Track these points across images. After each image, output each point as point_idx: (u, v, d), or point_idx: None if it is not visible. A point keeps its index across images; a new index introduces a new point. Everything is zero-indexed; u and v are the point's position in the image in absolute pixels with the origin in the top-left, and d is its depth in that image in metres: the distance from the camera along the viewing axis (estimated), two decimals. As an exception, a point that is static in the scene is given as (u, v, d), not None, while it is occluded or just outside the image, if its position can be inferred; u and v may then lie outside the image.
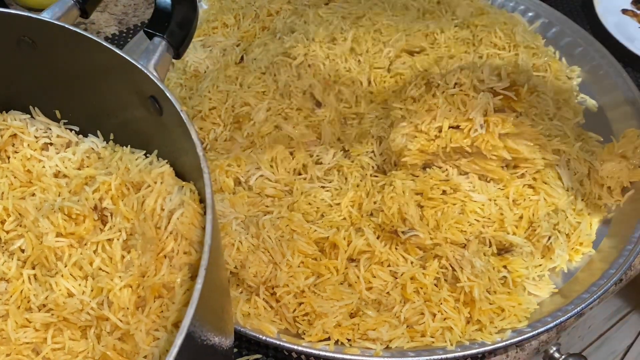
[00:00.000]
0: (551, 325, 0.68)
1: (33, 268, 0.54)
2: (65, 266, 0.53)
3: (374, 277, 0.70)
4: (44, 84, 0.60)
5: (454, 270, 0.70)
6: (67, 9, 0.58)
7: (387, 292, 0.70)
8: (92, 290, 0.52)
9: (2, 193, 0.58)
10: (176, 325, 0.48)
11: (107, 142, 0.62)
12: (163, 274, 0.48)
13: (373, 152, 0.81)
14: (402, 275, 0.70)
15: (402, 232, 0.73)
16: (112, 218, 0.54)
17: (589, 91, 0.96)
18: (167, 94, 0.52)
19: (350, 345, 0.67)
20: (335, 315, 0.68)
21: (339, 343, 0.68)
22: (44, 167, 0.60)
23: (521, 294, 0.72)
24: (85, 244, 0.54)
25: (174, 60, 0.70)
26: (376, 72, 0.89)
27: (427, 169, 0.78)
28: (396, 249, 0.72)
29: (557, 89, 0.91)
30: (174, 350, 0.39)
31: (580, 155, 0.82)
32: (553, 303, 0.72)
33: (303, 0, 1.02)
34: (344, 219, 0.75)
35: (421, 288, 0.70)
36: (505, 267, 0.73)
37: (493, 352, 0.70)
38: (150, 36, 0.64)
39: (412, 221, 0.73)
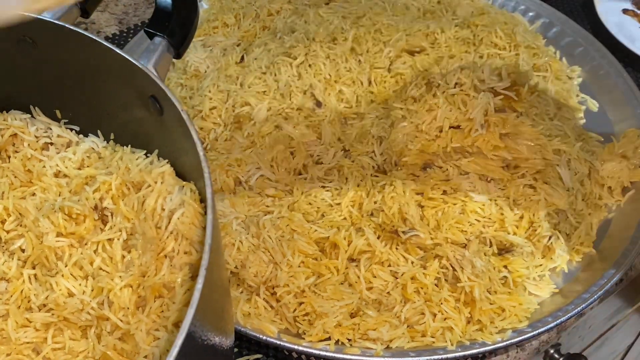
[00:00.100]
0: (552, 325, 0.68)
1: (33, 268, 0.54)
2: (66, 266, 0.53)
3: (375, 277, 0.70)
4: (45, 83, 0.60)
5: (454, 270, 0.70)
6: (68, 9, 0.58)
7: (388, 292, 0.70)
8: (92, 290, 0.52)
9: (3, 193, 0.58)
10: (177, 325, 0.48)
11: (107, 142, 0.62)
12: (163, 274, 0.48)
13: (373, 152, 0.81)
14: (402, 275, 0.70)
15: (403, 232, 0.73)
16: (112, 218, 0.54)
17: (589, 91, 0.96)
18: (168, 94, 0.52)
19: (351, 345, 0.67)
20: (335, 315, 0.67)
21: (340, 343, 0.68)
22: (44, 166, 0.60)
23: (522, 294, 0.72)
24: (86, 244, 0.54)
25: (174, 60, 0.70)
26: (377, 72, 0.88)
27: (428, 169, 0.78)
28: (397, 248, 0.72)
29: (558, 89, 0.91)
30: (175, 350, 0.39)
31: (581, 155, 0.82)
32: (553, 303, 0.72)
33: (303, 0, 1.02)
34: (345, 218, 0.75)
35: (422, 288, 0.69)
36: (505, 267, 0.73)
37: (493, 352, 0.70)
38: (150, 36, 0.64)
39: (412, 221, 0.73)
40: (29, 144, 0.61)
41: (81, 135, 0.63)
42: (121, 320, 0.49)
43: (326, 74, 0.86)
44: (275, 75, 0.87)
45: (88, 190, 0.56)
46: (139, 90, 0.55)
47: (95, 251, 0.53)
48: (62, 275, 0.52)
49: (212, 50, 0.96)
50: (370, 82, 0.88)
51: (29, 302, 0.53)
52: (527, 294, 0.72)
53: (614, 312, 0.94)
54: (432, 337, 0.68)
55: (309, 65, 0.87)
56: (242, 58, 0.93)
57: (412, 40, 0.92)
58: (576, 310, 0.69)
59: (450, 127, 0.78)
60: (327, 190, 0.77)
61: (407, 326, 0.68)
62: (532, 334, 0.68)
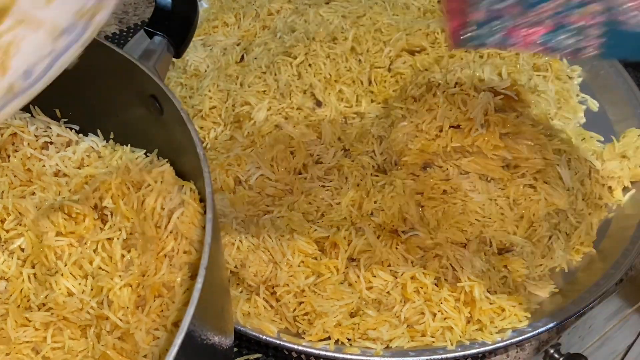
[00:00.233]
0: (551, 325, 0.68)
1: (33, 267, 0.54)
2: (65, 265, 0.53)
3: (374, 276, 0.70)
4: (44, 82, 0.60)
5: (454, 269, 0.70)
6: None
7: (388, 292, 0.70)
8: (92, 290, 0.52)
9: (2, 192, 0.58)
10: (176, 324, 0.48)
11: (107, 141, 0.62)
12: (163, 273, 0.48)
13: (373, 151, 0.81)
14: (402, 274, 0.70)
15: (403, 232, 0.73)
16: (112, 217, 0.54)
17: (589, 91, 0.96)
18: (168, 93, 0.52)
19: (351, 344, 0.67)
20: (335, 315, 0.67)
21: (339, 342, 0.68)
22: (44, 166, 0.60)
23: (522, 293, 0.72)
24: (85, 243, 0.54)
25: (174, 60, 0.70)
26: (377, 71, 0.88)
27: (428, 169, 0.78)
28: (396, 248, 0.72)
29: (558, 89, 0.91)
30: (174, 350, 0.39)
31: (581, 154, 0.82)
32: (553, 303, 0.72)
33: (304, -1, 1.02)
34: (345, 218, 0.75)
35: (421, 288, 0.69)
36: (505, 266, 0.73)
37: (493, 351, 0.70)
38: (150, 35, 0.64)
39: (412, 221, 0.73)
40: (28, 143, 0.61)
41: (81, 135, 0.63)
42: (121, 320, 0.49)
43: (326, 74, 0.86)
44: (275, 74, 0.87)
45: (88, 189, 0.56)
46: (139, 89, 0.55)
47: (94, 250, 0.53)
48: (62, 275, 0.52)
49: (212, 50, 0.96)
50: (370, 82, 0.88)
51: (28, 301, 0.53)
52: (527, 293, 0.72)
53: (614, 312, 0.94)
54: (432, 336, 0.68)
55: (309, 65, 0.87)
56: (242, 57, 0.93)
57: (412, 40, 0.92)
58: (576, 310, 0.69)
59: (450, 127, 0.78)
60: (327, 190, 0.77)
61: (407, 326, 0.68)
62: (532, 333, 0.68)
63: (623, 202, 0.82)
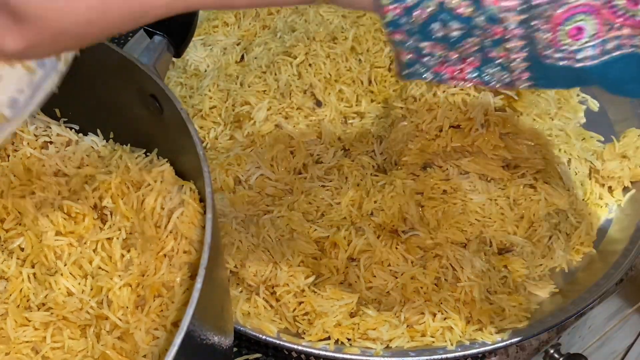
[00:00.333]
0: (552, 325, 0.68)
1: (32, 267, 0.54)
2: (65, 265, 0.53)
3: (374, 276, 0.70)
4: (44, 82, 0.60)
5: (454, 269, 0.70)
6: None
7: (388, 292, 0.70)
8: (91, 289, 0.52)
9: (2, 191, 0.58)
10: (176, 324, 0.48)
11: (107, 141, 0.62)
12: (163, 273, 0.48)
13: (373, 151, 0.81)
14: (402, 274, 0.70)
15: (403, 232, 0.73)
16: (111, 217, 0.54)
17: (590, 91, 0.96)
18: (167, 93, 0.52)
19: (351, 344, 0.67)
20: (335, 315, 0.67)
21: (339, 342, 0.67)
22: (43, 165, 0.60)
23: (522, 293, 0.71)
24: (85, 243, 0.54)
25: (174, 59, 0.70)
26: (377, 71, 0.88)
27: (428, 169, 0.78)
28: (396, 248, 0.72)
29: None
30: (174, 350, 0.39)
31: (582, 155, 0.82)
32: (553, 303, 0.72)
33: (304, -1, 1.02)
34: (344, 218, 0.75)
35: (421, 288, 0.69)
36: (505, 266, 0.73)
37: (493, 351, 0.70)
38: (150, 35, 0.64)
39: (412, 221, 0.73)
40: (28, 143, 0.61)
41: (80, 134, 0.63)
42: (120, 320, 0.49)
43: (326, 73, 0.86)
44: (275, 74, 0.87)
45: (87, 189, 0.56)
46: (139, 89, 0.55)
47: (94, 250, 0.53)
48: (61, 274, 0.52)
49: (212, 49, 0.96)
50: (370, 82, 0.88)
51: (28, 301, 0.53)
52: (527, 293, 0.72)
53: (614, 312, 0.94)
54: (432, 336, 0.68)
55: (309, 65, 0.87)
56: (242, 57, 0.93)
57: (412, 40, 0.91)
58: (576, 310, 0.69)
59: (450, 127, 0.78)
60: (327, 190, 0.77)
61: (407, 326, 0.68)
62: (532, 334, 0.68)
63: (623, 202, 0.82)
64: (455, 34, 0.37)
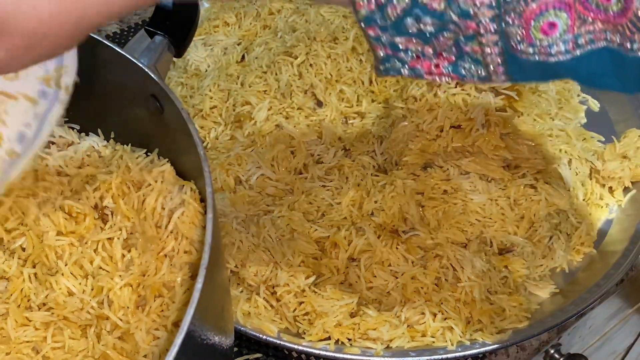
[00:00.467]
0: (552, 325, 0.68)
1: (34, 267, 0.54)
2: (66, 265, 0.53)
3: (375, 276, 0.70)
4: (45, 82, 0.60)
5: (454, 270, 0.70)
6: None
7: (388, 292, 0.70)
8: (92, 289, 0.52)
9: (8, 191, 0.58)
10: (176, 324, 0.48)
11: (107, 141, 0.62)
12: (163, 273, 0.48)
13: (374, 151, 0.81)
14: (402, 275, 0.70)
15: (403, 232, 0.73)
16: (112, 217, 0.54)
17: (590, 91, 0.96)
18: (168, 93, 0.52)
19: (351, 344, 0.67)
20: (335, 315, 0.67)
21: (340, 343, 0.67)
22: (47, 165, 0.60)
23: (522, 294, 0.71)
24: (86, 243, 0.54)
25: (175, 59, 0.70)
26: (377, 71, 0.88)
27: (428, 169, 0.78)
28: (397, 248, 0.72)
29: (559, 89, 0.91)
30: (174, 350, 0.39)
31: (582, 155, 0.82)
32: (554, 303, 0.72)
33: (304, -1, 1.02)
34: (345, 218, 0.75)
35: (422, 288, 0.69)
36: (506, 267, 0.73)
37: (494, 352, 0.70)
38: (151, 35, 0.64)
39: (412, 221, 0.73)
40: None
41: (82, 134, 0.63)
42: (121, 320, 0.49)
43: (327, 74, 0.86)
44: (276, 74, 0.87)
45: (88, 189, 0.56)
46: (140, 89, 0.55)
47: (95, 250, 0.53)
48: (62, 274, 0.52)
49: (213, 49, 0.96)
50: (371, 82, 0.88)
51: (28, 301, 0.53)
52: (527, 294, 0.72)
53: (614, 312, 0.94)
54: (433, 337, 0.68)
55: (310, 65, 0.87)
56: (243, 57, 0.93)
57: (413, 40, 0.91)
58: (576, 310, 0.69)
59: (451, 127, 0.78)
60: (328, 190, 0.77)
61: (407, 326, 0.68)
62: (532, 334, 0.68)
63: (624, 202, 0.82)
64: (429, 29, 0.37)
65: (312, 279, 0.70)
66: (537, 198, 0.76)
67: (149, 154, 0.58)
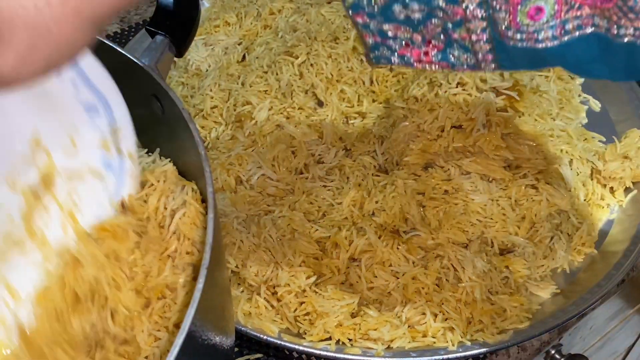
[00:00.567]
0: (553, 325, 0.68)
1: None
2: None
3: (376, 276, 0.70)
4: (46, 82, 0.59)
5: (455, 270, 0.70)
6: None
7: (389, 292, 0.70)
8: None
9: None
10: (178, 325, 0.47)
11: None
12: (166, 275, 0.48)
13: (375, 151, 0.81)
14: (403, 275, 0.70)
15: (404, 232, 0.73)
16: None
17: (591, 91, 0.96)
18: (169, 93, 0.52)
19: (352, 345, 0.67)
20: (336, 315, 0.67)
21: (340, 343, 0.67)
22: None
23: (523, 294, 0.71)
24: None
25: (175, 59, 0.70)
26: (378, 71, 0.88)
27: (429, 169, 0.78)
28: (398, 248, 0.72)
29: (560, 89, 0.91)
30: (175, 350, 0.39)
31: (583, 155, 0.82)
32: (555, 304, 0.72)
33: (305, -1, 1.02)
34: (346, 218, 0.75)
35: (423, 288, 0.69)
36: (507, 267, 0.73)
37: (495, 352, 0.70)
38: (152, 34, 0.64)
39: (413, 221, 0.73)
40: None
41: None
42: (125, 330, 0.48)
43: (328, 73, 0.86)
44: (276, 74, 0.87)
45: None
46: (140, 88, 0.55)
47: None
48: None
49: (214, 49, 0.96)
50: (372, 82, 0.88)
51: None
52: (528, 294, 0.72)
53: (615, 312, 0.94)
54: (433, 337, 0.68)
55: (311, 65, 0.87)
56: (244, 57, 0.93)
57: (414, 40, 0.91)
58: (577, 310, 0.69)
59: (452, 127, 0.78)
60: (329, 190, 0.77)
61: (408, 326, 0.68)
62: (533, 334, 0.68)
63: (625, 202, 0.82)
64: (417, 15, 0.37)
65: (312, 279, 0.70)
66: (538, 198, 0.76)
67: (150, 154, 0.58)
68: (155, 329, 0.47)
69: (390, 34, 0.39)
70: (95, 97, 0.47)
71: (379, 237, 0.72)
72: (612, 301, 0.86)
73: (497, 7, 0.36)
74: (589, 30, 0.36)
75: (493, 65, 0.39)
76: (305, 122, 0.83)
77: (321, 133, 0.83)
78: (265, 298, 0.69)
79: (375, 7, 0.37)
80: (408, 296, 0.69)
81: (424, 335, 0.68)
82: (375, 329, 0.67)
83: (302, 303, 0.69)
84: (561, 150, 0.81)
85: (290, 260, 0.70)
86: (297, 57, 0.87)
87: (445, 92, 0.80)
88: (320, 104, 0.85)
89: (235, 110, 0.84)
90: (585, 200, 0.80)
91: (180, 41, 0.65)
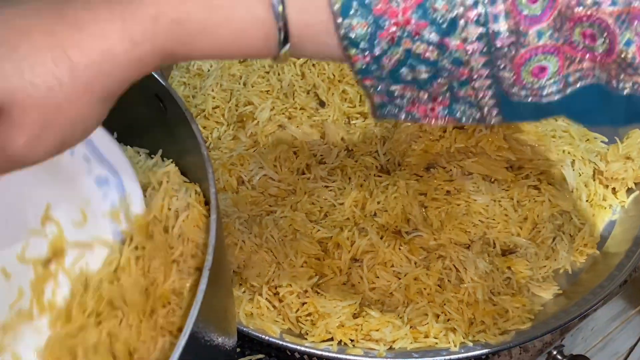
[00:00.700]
0: (555, 326, 0.68)
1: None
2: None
3: (377, 277, 0.70)
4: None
5: (457, 270, 0.70)
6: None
7: (391, 293, 0.70)
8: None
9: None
10: (182, 329, 0.47)
11: (110, 142, 0.62)
12: (173, 280, 0.48)
13: (377, 152, 0.81)
14: (405, 275, 0.70)
15: (406, 233, 0.72)
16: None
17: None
18: (171, 93, 0.52)
19: (354, 345, 0.67)
20: (338, 316, 0.67)
21: (342, 343, 0.67)
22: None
23: (525, 295, 0.71)
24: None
25: (177, 59, 0.70)
26: (380, 71, 0.88)
27: (431, 169, 0.78)
28: (400, 249, 0.72)
29: (562, 89, 0.91)
30: (178, 351, 0.39)
31: (585, 156, 0.82)
32: (557, 304, 0.72)
33: None
34: (348, 218, 0.75)
35: (425, 289, 0.69)
36: (509, 268, 0.73)
37: (497, 353, 0.70)
38: (154, 35, 0.64)
39: (415, 221, 0.73)
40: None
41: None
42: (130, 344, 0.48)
43: (330, 74, 0.86)
44: (278, 74, 0.87)
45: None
46: (142, 89, 0.54)
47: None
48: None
49: (215, 49, 0.96)
50: (373, 82, 0.88)
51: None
52: (530, 295, 0.72)
53: (617, 313, 0.94)
54: (435, 338, 0.68)
55: (313, 65, 0.87)
56: (245, 57, 0.93)
57: (416, 40, 0.91)
58: (579, 311, 0.69)
59: (454, 128, 0.78)
60: (330, 190, 0.77)
61: (410, 327, 0.68)
62: (535, 335, 0.68)
63: (627, 203, 0.82)
64: (423, 76, 0.38)
65: (314, 279, 0.70)
66: (540, 199, 0.76)
67: (152, 154, 0.58)
68: (160, 335, 0.46)
69: (397, 93, 0.39)
70: (106, 169, 0.48)
71: (381, 238, 0.72)
72: (614, 302, 0.86)
73: (502, 66, 0.37)
74: (590, 80, 0.37)
75: (498, 118, 0.40)
76: (307, 122, 0.83)
77: (323, 133, 0.82)
78: (267, 298, 0.69)
79: (384, 70, 0.38)
80: (410, 297, 0.69)
81: (426, 336, 0.68)
82: (377, 330, 0.67)
83: (304, 303, 0.69)
84: (563, 151, 0.81)
85: (292, 260, 0.70)
86: (299, 58, 0.87)
87: (448, 92, 0.79)
88: (322, 104, 0.85)
89: (237, 110, 0.84)
90: (587, 201, 0.80)
91: (182, 41, 0.65)
